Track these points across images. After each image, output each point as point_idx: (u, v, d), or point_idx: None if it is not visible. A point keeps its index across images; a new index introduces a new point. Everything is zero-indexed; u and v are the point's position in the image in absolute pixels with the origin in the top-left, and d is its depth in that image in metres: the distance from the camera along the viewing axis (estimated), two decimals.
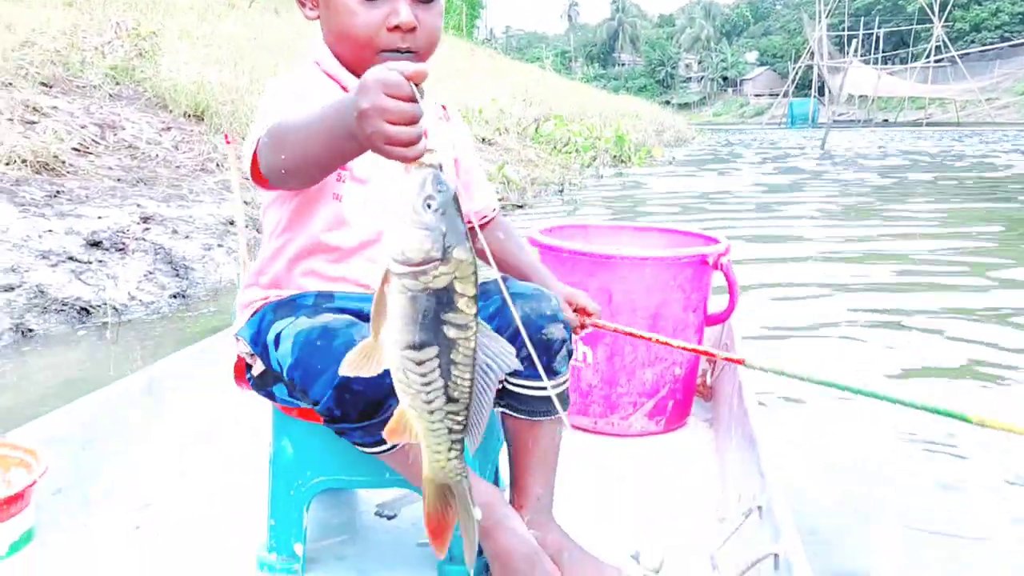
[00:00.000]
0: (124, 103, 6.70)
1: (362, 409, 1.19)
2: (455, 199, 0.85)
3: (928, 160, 16.54)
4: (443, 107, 1.53)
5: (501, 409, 1.47)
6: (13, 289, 3.26)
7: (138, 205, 4.69)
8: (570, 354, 1.43)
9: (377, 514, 1.50)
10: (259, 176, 1.21)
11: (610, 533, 1.57)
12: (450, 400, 0.90)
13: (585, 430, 2.12)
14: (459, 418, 0.92)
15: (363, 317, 1.35)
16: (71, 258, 3.64)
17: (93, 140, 5.74)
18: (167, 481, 1.80)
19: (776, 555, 1.15)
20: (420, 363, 0.86)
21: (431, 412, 0.91)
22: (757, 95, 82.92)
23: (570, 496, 1.56)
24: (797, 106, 54.14)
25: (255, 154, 1.19)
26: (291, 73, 1.42)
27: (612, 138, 13.31)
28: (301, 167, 1.12)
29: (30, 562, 1.21)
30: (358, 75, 1.34)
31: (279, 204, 1.41)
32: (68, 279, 3.48)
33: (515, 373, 1.39)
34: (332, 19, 1.34)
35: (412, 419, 0.93)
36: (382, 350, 0.88)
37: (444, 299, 0.84)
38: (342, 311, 1.35)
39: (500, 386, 1.44)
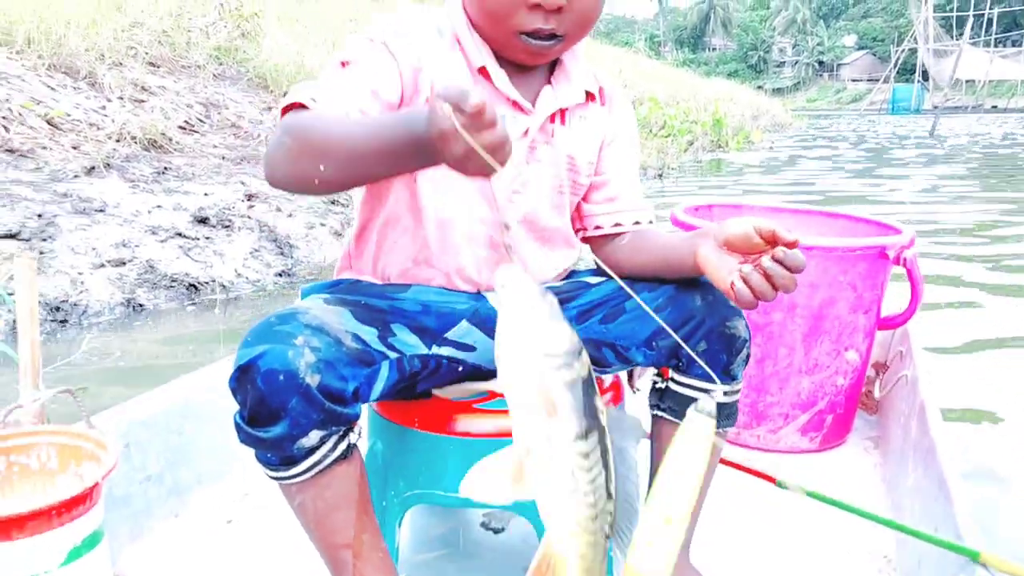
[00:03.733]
0: (227, 83, 6.75)
1: (252, 407, 0.97)
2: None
3: None
4: (589, 94, 1.26)
5: (659, 413, 1.27)
6: (124, 264, 3.24)
7: (242, 183, 4.68)
8: (748, 358, 1.22)
9: (483, 526, 1.34)
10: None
11: (752, 571, 1.36)
12: (608, 497, 0.82)
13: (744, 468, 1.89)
14: (611, 520, 0.83)
15: (421, 329, 1.17)
16: (179, 234, 3.62)
17: (198, 119, 5.78)
18: (261, 472, 1.69)
19: None
20: (586, 456, 0.79)
21: (595, 518, 0.81)
22: (855, 80, 79.62)
23: (704, 521, 1.34)
24: (899, 91, 51.67)
25: (269, 154, 1.00)
26: (412, 14, 1.18)
27: (709, 122, 12.86)
28: (341, 181, 0.97)
29: (95, 568, 1.09)
30: (496, 51, 1.16)
31: None
32: (177, 255, 3.45)
33: (684, 370, 1.21)
34: None
35: (568, 546, 0.81)
36: (532, 461, 0.79)
37: (591, 384, 0.80)
38: (395, 308, 1.17)
39: (664, 384, 1.25)
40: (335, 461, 1.05)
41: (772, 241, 1.00)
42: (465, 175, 0.81)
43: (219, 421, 1.68)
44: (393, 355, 1.12)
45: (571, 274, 1.36)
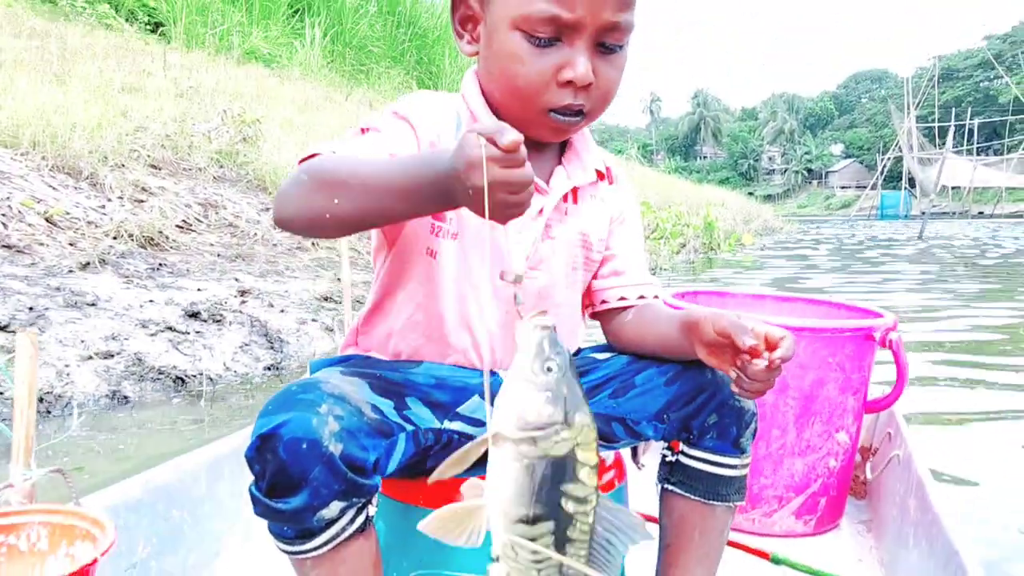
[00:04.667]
0: (227, 185, 6.89)
1: (272, 477, 0.94)
2: (571, 361, 0.79)
3: None
4: (599, 172, 1.30)
5: (669, 487, 1.25)
6: (112, 356, 3.21)
7: (236, 279, 4.70)
8: (755, 432, 1.22)
9: None
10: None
11: None
12: None
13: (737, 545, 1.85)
14: None
15: (434, 404, 1.16)
16: (170, 328, 3.61)
17: (196, 218, 5.87)
18: (254, 560, 1.62)
19: None
20: (533, 539, 0.76)
21: None
22: (843, 187, 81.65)
23: None
24: (887, 198, 52.96)
25: (282, 191, 1.02)
26: (433, 95, 1.23)
27: (701, 225, 13.09)
28: (352, 217, 0.96)
29: None
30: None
31: (379, 252, 1.26)
32: (166, 348, 3.43)
33: (695, 443, 1.20)
34: (493, 62, 1.14)
35: None
36: (482, 517, 0.77)
37: (564, 468, 0.76)
38: (409, 382, 1.16)
39: (674, 458, 1.24)
40: (352, 535, 1.02)
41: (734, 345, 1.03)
42: (480, 215, 0.82)
43: (208, 506, 1.63)
44: (409, 428, 1.11)
45: (578, 352, 1.36)
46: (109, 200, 5.26)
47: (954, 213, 47.46)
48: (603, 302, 1.33)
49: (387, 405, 1.09)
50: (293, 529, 0.98)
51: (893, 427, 1.93)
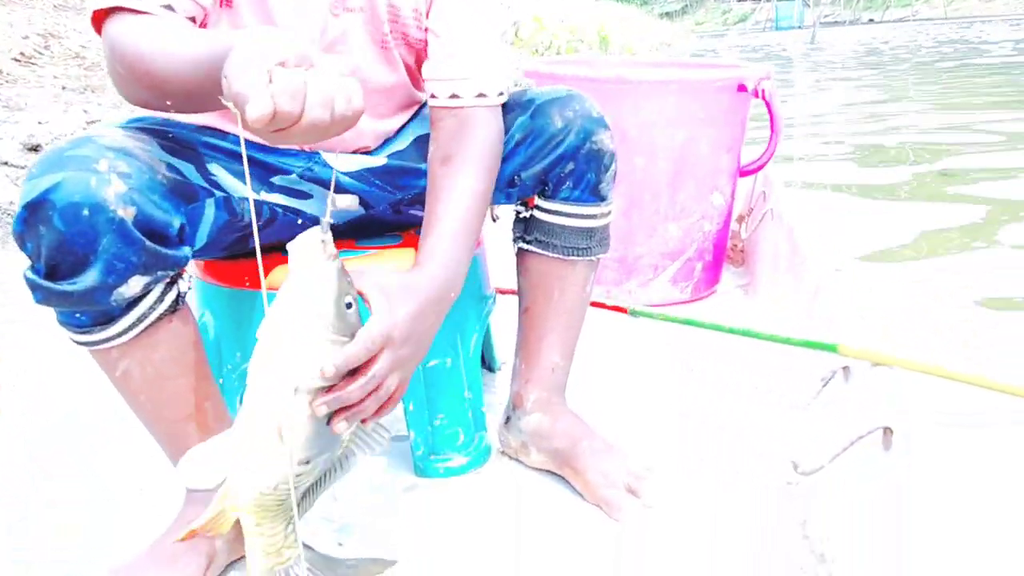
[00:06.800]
0: (71, 13, 6.17)
1: (51, 254, 0.79)
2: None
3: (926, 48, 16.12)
4: None
5: (525, 246, 1.14)
6: None
7: (85, 111, 4.26)
8: (615, 175, 1.10)
9: None
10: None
11: (635, 423, 1.29)
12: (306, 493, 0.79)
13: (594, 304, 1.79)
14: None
15: (242, 173, 0.98)
16: (5, 163, 3.25)
17: (36, 51, 5.26)
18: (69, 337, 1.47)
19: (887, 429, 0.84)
20: (300, 475, 0.74)
21: (279, 504, 0.75)
22: (740, 0, 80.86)
23: (579, 381, 1.24)
24: (782, 8, 52.74)
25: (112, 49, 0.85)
26: None
27: (596, 39, 12.73)
28: (191, 111, 0.92)
29: None
30: None
31: None
32: (2, 186, 3.10)
33: (551, 195, 1.09)
34: None
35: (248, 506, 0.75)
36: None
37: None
38: (212, 145, 1.00)
39: (528, 214, 1.12)
40: (163, 315, 0.87)
41: None
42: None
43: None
44: (219, 193, 0.96)
45: (421, 107, 1.19)
46: None
47: (846, 22, 47.80)
48: (433, 96, 1.08)
49: (187, 167, 0.94)
50: (88, 315, 0.84)
51: (768, 186, 1.89)
